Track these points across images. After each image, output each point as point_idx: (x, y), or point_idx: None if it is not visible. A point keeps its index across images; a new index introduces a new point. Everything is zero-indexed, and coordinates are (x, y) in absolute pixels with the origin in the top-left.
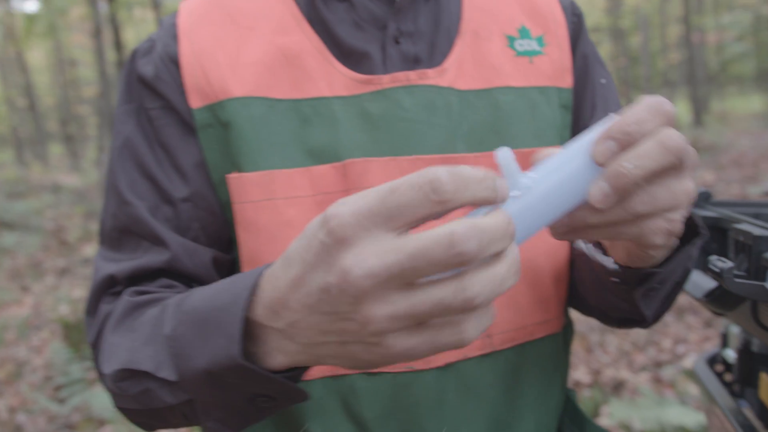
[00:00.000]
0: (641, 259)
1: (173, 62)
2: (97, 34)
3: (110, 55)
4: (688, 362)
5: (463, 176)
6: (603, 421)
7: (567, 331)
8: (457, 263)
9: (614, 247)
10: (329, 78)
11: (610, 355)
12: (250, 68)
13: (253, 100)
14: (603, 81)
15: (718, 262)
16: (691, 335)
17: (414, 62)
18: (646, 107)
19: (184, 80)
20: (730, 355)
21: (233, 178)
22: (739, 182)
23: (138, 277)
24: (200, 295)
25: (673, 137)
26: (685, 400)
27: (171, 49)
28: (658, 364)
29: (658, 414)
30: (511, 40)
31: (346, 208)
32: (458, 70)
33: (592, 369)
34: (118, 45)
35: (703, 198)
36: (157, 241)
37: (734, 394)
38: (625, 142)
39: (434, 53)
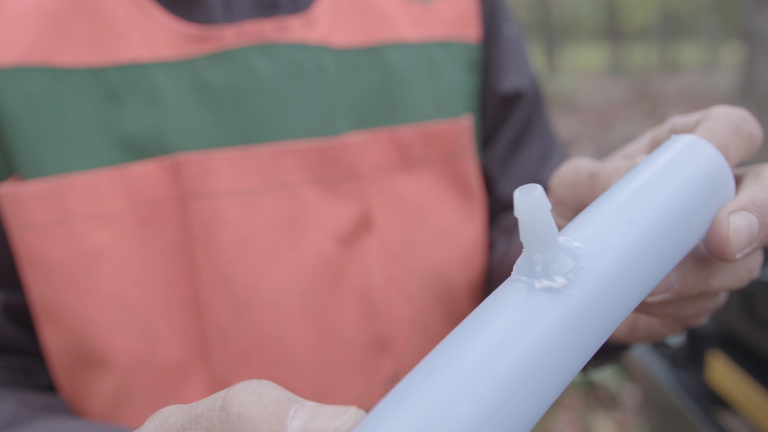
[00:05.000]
0: (649, 336)
1: None
2: None
3: None
4: None
5: None
6: None
7: None
8: None
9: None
10: (145, 33)
11: None
12: (21, 21)
13: (27, 71)
14: (511, 31)
15: None
16: None
17: (269, 8)
18: None
19: None
20: None
21: (6, 193)
22: (599, 129)
23: None
24: None
25: None
26: None
27: None
28: None
29: None
30: None
31: None
32: (333, 19)
33: None
34: None
35: None
36: None
37: (675, 370)
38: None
39: None
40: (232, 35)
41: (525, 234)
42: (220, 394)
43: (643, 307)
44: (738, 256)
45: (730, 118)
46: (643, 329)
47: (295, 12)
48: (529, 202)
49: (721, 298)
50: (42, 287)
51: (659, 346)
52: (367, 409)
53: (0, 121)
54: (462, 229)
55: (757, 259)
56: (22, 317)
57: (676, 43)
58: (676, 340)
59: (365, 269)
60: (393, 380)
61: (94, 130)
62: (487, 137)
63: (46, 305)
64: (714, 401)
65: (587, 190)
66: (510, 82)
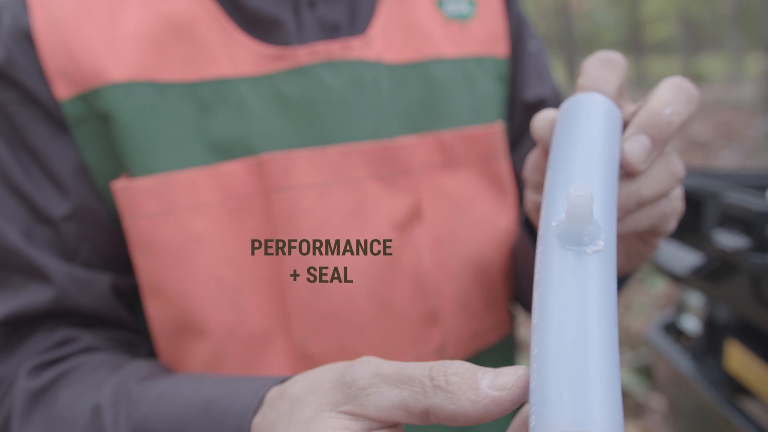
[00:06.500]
0: (640, 257)
1: (27, 39)
2: None
3: None
4: None
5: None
6: None
7: (514, 333)
8: None
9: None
10: (231, 53)
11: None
12: (130, 43)
13: (137, 85)
14: (534, 47)
15: (729, 239)
16: None
17: (332, 31)
18: (671, 89)
19: (44, 63)
20: (689, 322)
21: (121, 188)
22: None
23: (11, 326)
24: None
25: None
26: None
27: (23, 22)
28: None
29: None
30: (439, 1)
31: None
32: (385, 40)
33: None
34: None
35: None
36: (37, 274)
37: (696, 360)
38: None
39: (356, 19)
40: (304, 54)
41: (573, 218)
42: (427, 365)
43: None
44: (643, 167)
45: (593, 60)
46: (635, 253)
47: (355, 34)
48: (581, 200)
49: (675, 202)
50: (149, 267)
51: (680, 337)
52: None
53: (114, 128)
54: (497, 219)
55: (676, 163)
56: (127, 297)
57: (699, 55)
58: (695, 330)
59: (417, 252)
60: (441, 350)
61: (191, 135)
62: (514, 140)
63: (152, 283)
64: (734, 388)
65: (544, 165)
66: (534, 91)
